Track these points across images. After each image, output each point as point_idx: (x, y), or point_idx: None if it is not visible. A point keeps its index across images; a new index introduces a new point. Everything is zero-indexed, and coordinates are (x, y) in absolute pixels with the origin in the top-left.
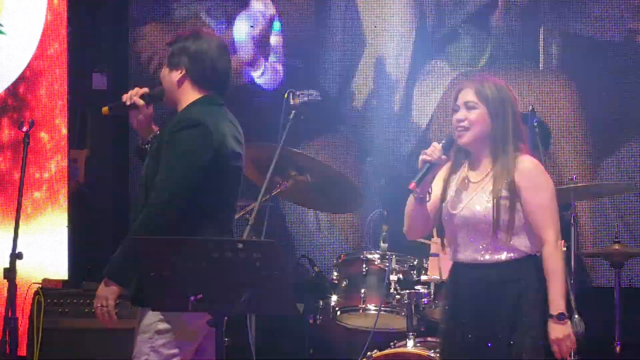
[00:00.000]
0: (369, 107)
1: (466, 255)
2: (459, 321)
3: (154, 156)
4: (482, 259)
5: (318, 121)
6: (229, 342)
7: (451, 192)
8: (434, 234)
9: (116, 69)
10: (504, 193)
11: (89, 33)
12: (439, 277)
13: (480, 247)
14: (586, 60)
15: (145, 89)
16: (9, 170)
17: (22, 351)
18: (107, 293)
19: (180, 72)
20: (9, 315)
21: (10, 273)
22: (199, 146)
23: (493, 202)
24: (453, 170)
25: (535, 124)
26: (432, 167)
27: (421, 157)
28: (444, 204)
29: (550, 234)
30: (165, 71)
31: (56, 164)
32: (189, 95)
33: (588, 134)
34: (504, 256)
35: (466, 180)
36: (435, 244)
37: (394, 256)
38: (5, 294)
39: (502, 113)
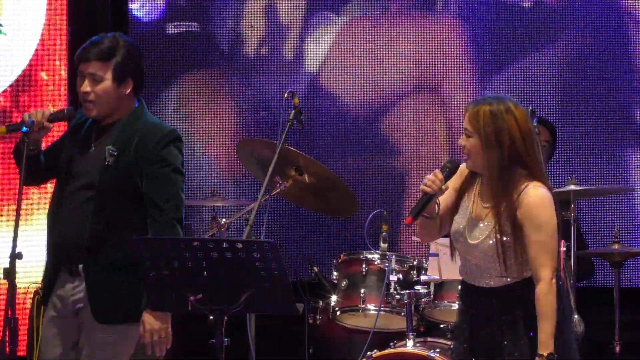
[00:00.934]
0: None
1: (470, 278)
2: (461, 341)
3: (122, 168)
4: (484, 285)
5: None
6: (229, 342)
7: (464, 210)
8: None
9: None
10: (507, 229)
11: (89, 33)
12: (438, 277)
13: (484, 274)
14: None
15: (50, 110)
16: (9, 170)
17: (22, 351)
18: (161, 323)
19: (130, 85)
20: (9, 315)
21: (10, 273)
22: (181, 157)
23: (497, 242)
24: (468, 183)
25: (535, 124)
26: (432, 198)
27: (421, 187)
28: (455, 221)
29: (545, 273)
30: (110, 86)
31: None
32: (130, 103)
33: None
34: (506, 281)
35: (478, 203)
36: (435, 244)
37: (393, 256)
38: (5, 294)
39: (497, 144)
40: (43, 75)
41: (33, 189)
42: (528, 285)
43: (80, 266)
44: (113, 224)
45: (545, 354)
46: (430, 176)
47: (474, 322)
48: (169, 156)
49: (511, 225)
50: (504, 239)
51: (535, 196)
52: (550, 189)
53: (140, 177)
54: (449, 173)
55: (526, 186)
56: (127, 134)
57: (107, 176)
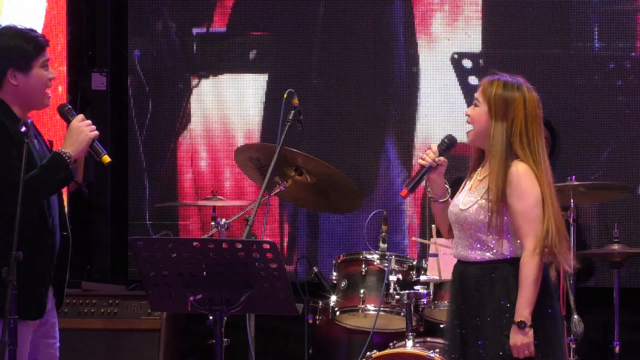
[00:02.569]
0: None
1: (457, 251)
2: (451, 318)
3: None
4: (468, 256)
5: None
6: (229, 342)
7: (465, 187)
8: (434, 234)
9: (116, 69)
10: (492, 197)
11: (89, 33)
12: (438, 277)
13: (467, 244)
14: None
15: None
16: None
17: None
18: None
19: None
20: (9, 316)
21: (9, 273)
22: None
23: (481, 207)
24: (474, 168)
25: None
26: (427, 171)
27: (419, 161)
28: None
29: (528, 242)
30: None
31: None
32: None
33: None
34: (486, 256)
35: (475, 179)
36: (434, 244)
37: (393, 256)
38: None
39: (503, 114)
40: None
41: None
42: (510, 264)
43: None
44: None
45: (516, 320)
46: (426, 151)
47: (459, 299)
48: None
49: (498, 196)
50: (486, 200)
51: (519, 168)
52: (542, 172)
53: None
54: (445, 147)
55: (514, 161)
56: None
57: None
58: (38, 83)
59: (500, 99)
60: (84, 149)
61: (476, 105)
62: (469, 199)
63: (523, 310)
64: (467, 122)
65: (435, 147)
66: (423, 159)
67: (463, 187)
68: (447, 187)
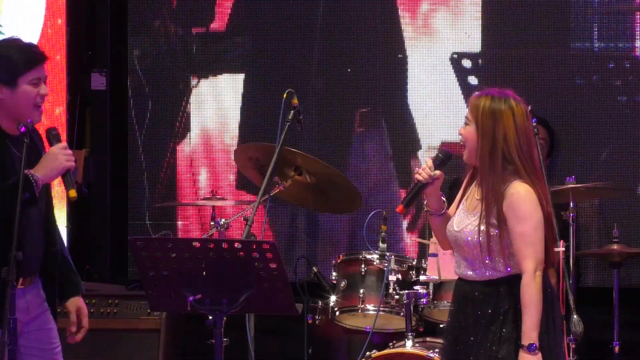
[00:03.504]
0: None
1: (460, 270)
2: (447, 335)
3: None
4: (467, 275)
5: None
6: (228, 342)
7: (461, 208)
8: (433, 234)
9: (116, 69)
10: (493, 221)
11: (88, 33)
12: (437, 277)
13: (465, 264)
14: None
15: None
16: None
17: None
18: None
19: None
20: (9, 316)
21: (9, 273)
22: None
23: (481, 231)
24: (469, 183)
25: (534, 124)
26: (424, 187)
27: (415, 176)
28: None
29: (528, 264)
30: None
31: None
32: None
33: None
34: (489, 275)
35: (472, 198)
36: (434, 244)
37: (392, 256)
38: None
39: (492, 129)
40: None
41: None
42: (513, 281)
43: None
44: None
45: (526, 344)
46: (423, 164)
47: (459, 315)
48: None
49: (496, 218)
50: (490, 229)
51: (519, 190)
52: (543, 187)
53: None
54: (440, 162)
55: (512, 182)
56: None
57: None
58: (24, 99)
59: (488, 114)
60: (54, 176)
61: (467, 124)
62: (468, 220)
63: (531, 333)
64: (460, 142)
65: (430, 162)
66: (419, 174)
67: (459, 205)
68: (444, 200)
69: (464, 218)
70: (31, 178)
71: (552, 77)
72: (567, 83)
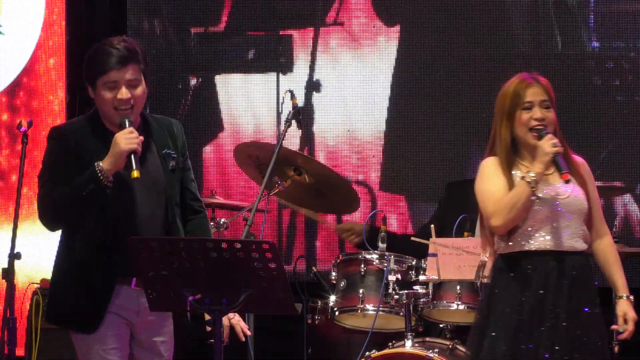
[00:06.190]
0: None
1: (560, 241)
2: (544, 311)
3: (179, 168)
4: (574, 246)
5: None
6: (228, 343)
7: (543, 181)
8: (433, 234)
9: None
10: (592, 187)
11: (88, 33)
12: (437, 277)
13: (571, 233)
14: None
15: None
16: (8, 170)
17: (20, 351)
18: None
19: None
20: (7, 316)
21: (8, 273)
22: None
23: (583, 197)
24: (509, 165)
25: None
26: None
27: (557, 149)
28: (541, 194)
29: (606, 226)
30: (145, 89)
31: None
32: None
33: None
34: (584, 246)
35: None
36: (433, 244)
37: (392, 256)
38: (4, 295)
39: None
40: (41, 75)
41: (32, 189)
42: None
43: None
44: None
45: (624, 295)
46: (553, 140)
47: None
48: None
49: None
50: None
51: (580, 158)
52: None
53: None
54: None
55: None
56: (161, 132)
57: (173, 180)
58: (102, 102)
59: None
60: (118, 162)
61: (548, 107)
62: (578, 190)
63: (625, 284)
64: (541, 123)
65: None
66: (558, 146)
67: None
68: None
69: (562, 190)
70: (97, 169)
71: (552, 77)
72: (566, 83)
